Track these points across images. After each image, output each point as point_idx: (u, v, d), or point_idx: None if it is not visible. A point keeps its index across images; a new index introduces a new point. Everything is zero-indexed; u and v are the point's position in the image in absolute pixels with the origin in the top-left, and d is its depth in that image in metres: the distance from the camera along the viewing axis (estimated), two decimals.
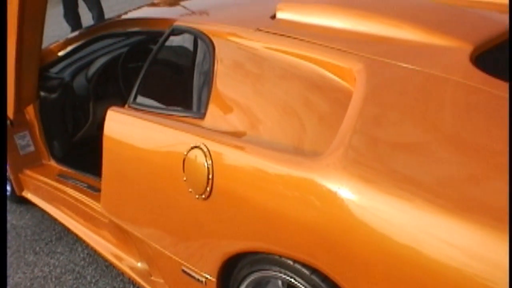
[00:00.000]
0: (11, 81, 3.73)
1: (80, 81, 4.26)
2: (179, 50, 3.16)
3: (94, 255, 3.88)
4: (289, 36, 2.57)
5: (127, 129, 2.89)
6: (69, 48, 4.20)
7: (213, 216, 2.32)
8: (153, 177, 2.67)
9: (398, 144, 1.87)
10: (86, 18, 8.70)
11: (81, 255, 3.94)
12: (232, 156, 2.24)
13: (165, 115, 2.79)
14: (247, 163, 2.15)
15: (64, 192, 3.94)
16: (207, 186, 2.29)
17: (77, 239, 3.99)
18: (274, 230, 2.03)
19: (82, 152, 4.34)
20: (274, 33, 2.64)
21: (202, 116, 2.57)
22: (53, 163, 4.30)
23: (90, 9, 8.51)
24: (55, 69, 4.30)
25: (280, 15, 2.84)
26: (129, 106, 3.02)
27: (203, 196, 2.31)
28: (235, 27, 2.83)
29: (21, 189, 4.48)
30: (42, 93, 4.13)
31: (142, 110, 2.94)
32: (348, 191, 1.75)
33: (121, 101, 4.14)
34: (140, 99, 3.01)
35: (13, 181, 4.49)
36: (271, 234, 2.05)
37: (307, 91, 2.37)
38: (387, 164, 1.77)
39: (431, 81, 2.06)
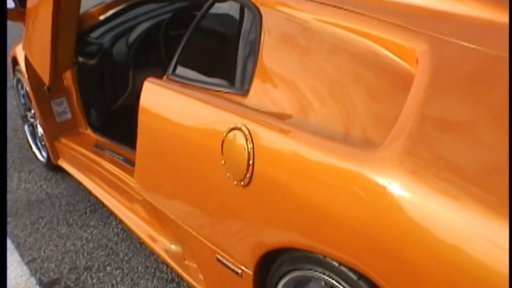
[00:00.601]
0: (47, 45, 3.55)
1: (120, 48, 4.06)
2: (224, 18, 2.93)
3: (128, 231, 3.71)
4: (343, 8, 2.32)
5: (164, 102, 2.69)
6: (110, 12, 4.00)
7: (252, 205, 2.11)
8: (190, 156, 2.46)
9: (464, 139, 1.62)
10: None
11: (115, 230, 3.78)
12: (276, 141, 2.01)
13: (205, 90, 2.57)
14: (292, 149, 1.93)
15: (100, 164, 3.77)
16: (246, 173, 2.07)
17: (111, 213, 3.82)
18: (318, 225, 1.81)
19: (120, 122, 4.16)
20: (327, 4, 2.39)
21: (245, 93, 2.35)
22: (89, 132, 4.13)
23: None
24: (94, 34, 4.12)
25: None
26: (167, 78, 2.82)
27: (242, 183, 2.10)
28: None
29: (57, 157, 4.34)
30: (80, 59, 3.96)
31: (181, 83, 2.72)
32: (404, 190, 1.52)
33: (162, 70, 3.94)
34: (179, 70, 2.80)
35: (49, 148, 4.36)
36: (315, 229, 1.83)
37: (362, 70, 2.13)
38: (452, 163, 1.53)
39: (499, 64, 1.80)
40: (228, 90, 2.46)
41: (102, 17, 4.05)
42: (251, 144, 2.06)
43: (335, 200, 1.73)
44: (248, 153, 2.06)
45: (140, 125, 2.76)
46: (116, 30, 4.18)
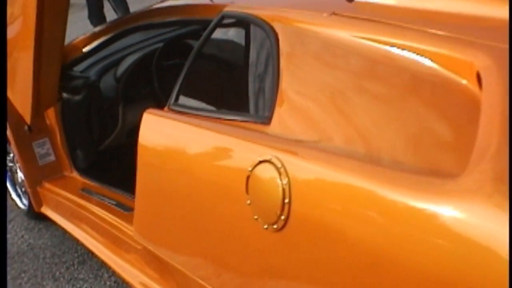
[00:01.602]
0: (28, 80, 3.19)
1: (108, 81, 3.72)
2: (229, 41, 2.62)
3: (122, 284, 3.32)
4: (378, 21, 2.01)
5: (168, 136, 2.36)
6: (95, 44, 3.66)
7: (288, 253, 1.75)
8: (204, 196, 2.11)
9: None
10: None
11: (108, 283, 3.40)
12: (319, 173, 1.66)
13: (216, 119, 2.22)
14: (342, 182, 1.58)
15: (89, 210, 3.40)
16: (281, 214, 1.72)
17: (103, 264, 3.42)
18: (379, 279, 1.45)
19: (109, 163, 3.84)
20: (357, 18, 2.08)
21: (266, 120, 2.01)
22: (76, 175, 3.76)
23: (115, 9, 7.99)
24: (79, 67, 3.78)
25: None
26: (169, 108, 2.48)
27: (275, 227, 1.75)
28: (302, 11, 2.27)
29: (40, 204, 3.95)
30: (64, 95, 3.61)
31: (185, 113, 2.37)
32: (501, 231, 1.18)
33: (154, 103, 3.63)
34: (183, 99, 2.47)
35: (30, 195, 3.97)
36: (375, 284, 1.47)
37: (412, 88, 1.82)
38: None
39: None
40: (244, 119, 2.13)
41: (86, 49, 3.70)
42: (286, 179, 1.71)
43: (406, 245, 1.38)
44: (283, 189, 1.71)
45: (140, 163, 2.41)
46: (102, 63, 3.84)
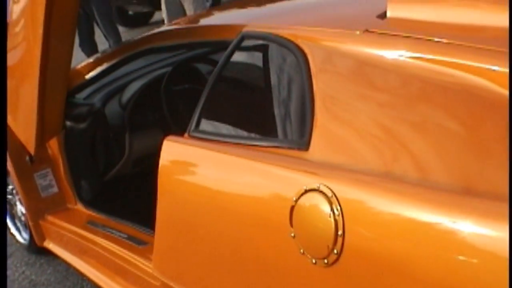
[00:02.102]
0: (32, 107, 3.03)
1: (112, 108, 3.56)
2: (252, 63, 2.48)
3: None
4: (416, 38, 1.87)
5: (193, 164, 2.23)
6: (99, 70, 3.49)
7: None
8: (237, 231, 1.95)
9: None
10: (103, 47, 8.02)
11: None
12: (377, 202, 1.50)
13: (243, 146, 2.06)
14: (405, 212, 1.43)
15: (96, 243, 3.22)
16: (333, 247, 1.56)
17: None
18: None
19: (115, 194, 3.67)
20: (393, 35, 1.94)
21: (304, 146, 1.86)
22: (80, 207, 3.58)
23: (106, 36, 7.82)
24: (82, 94, 3.61)
25: (393, 12, 2.12)
26: (190, 135, 2.31)
27: (326, 261, 1.59)
28: (332, 29, 2.13)
29: (42, 239, 3.76)
30: (67, 123, 3.43)
31: (208, 140, 2.21)
32: None
33: (162, 131, 3.47)
34: (205, 125, 2.31)
35: (32, 228, 3.78)
36: None
37: (459, 108, 1.66)
38: None
39: None
40: (276, 144, 1.98)
41: (89, 75, 3.53)
42: (339, 210, 1.55)
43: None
44: (335, 221, 1.56)
45: (161, 194, 2.24)
46: (106, 89, 3.69)
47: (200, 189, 2.15)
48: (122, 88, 3.68)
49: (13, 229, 4.22)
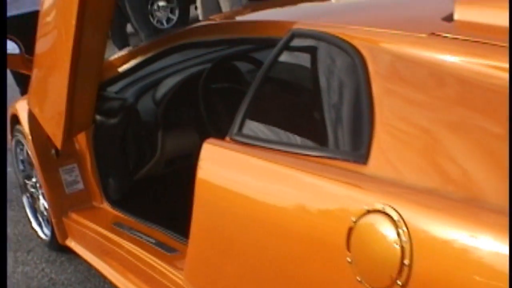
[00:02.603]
0: (62, 99, 2.85)
1: (146, 104, 3.38)
2: (302, 64, 2.28)
3: None
4: (486, 43, 1.70)
5: (235, 171, 2.05)
6: (133, 63, 3.30)
7: None
8: (281, 248, 1.76)
9: None
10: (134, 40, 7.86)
11: None
12: (454, 231, 1.30)
13: (291, 154, 1.87)
14: (489, 245, 1.22)
15: (121, 246, 3.04)
16: (397, 278, 1.37)
17: None
18: None
19: (144, 195, 3.48)
20: (462, 39, 1.74)
21: (361, 159, 1.67)
22: (107, 206, 3.41)
23: (137, 30, 7.57)
24: (114, 88, 3.43)
25: (461, 15, 1.91)
26: (231, 139, 2.12)
27: None
28: (394, 31, 1.92)
29: (65, 237, 3.60)
30: (97, 117, 3.24)
31: (252, 145, 2.02)
32: None
33: (197, 131, 3.29)
34: (248, 129, 2.12)
35: (55, 225, 3.62)
36: None
37: None
38: None
39: None
40: (330, 155, 1.80)
41: (123, 68, 3.35)
42: (407, 235, 1.35)
43: None
44: (401, 248, 1.36)
45: (198, 201, 2.06)
46: (139, 83, 3.51)
47: (242, 200, 1.96)
48: (156, 84, 3.50)
49: (34, 224, 4.07)
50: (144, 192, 3.50)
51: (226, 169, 2.10)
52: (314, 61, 2.17)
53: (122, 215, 3.29)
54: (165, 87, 3.41)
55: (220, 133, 3.13)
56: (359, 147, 1.73)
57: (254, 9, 3.45)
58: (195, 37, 2.98)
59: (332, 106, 1.99)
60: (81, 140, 3.40)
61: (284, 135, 2.10)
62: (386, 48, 1.90)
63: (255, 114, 2.19)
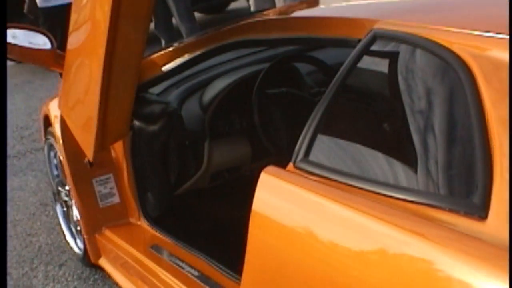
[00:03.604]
0: (94, 104, 2.43)
1: (191, 109, 2.96)
2: (380, 71, 1.81)
3: None
4: None
5: (299, 210, 1.64)
6: (178, 61, 2.86)
7: None
8: None
9: None
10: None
11: None
12: None
13: (376, 195, 1.41)
14: None
15: (158, 277, 2.64)
16: None
17: None
18: None
19: (187, 213, 3.09)
20: None
21: (478, 212, 1.20)
22: (144, 224, 3.00)
23: (178, 23, 6.98)
24: (155, 89, 2.99)
25: None
26: (296, 167, 1.72)
27: None
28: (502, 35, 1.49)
29: (97, 255, 3.21)
30: (136, 123, 2.83)
31: (321, 177, 1.61)
32: None
33: (250, 143, 2.84)
34: (318, 154, 1.70)
35: (87, 242, 3.24)
36: None
37: None
38: None
39: None
40: (428, 201, 1.36)
41: (166, 67, 2.91)
42: None
43: None
44: None
45: (253, 239, 1.70)
46: (183, 85, 3.09)
47: (308, 245, 1.56)
48: (203, 86, 3.07)
49: (68, 236, 3.70)
50: (186, 209, 3.12)
51: (288, 206, 1.67)
52: (404, 71, 1.72)
53: (161, 235, 2.88)
54: (214, 90, 2.98)
55: (276, 147, 2.69)
56: (469, 193, 1.28)
57: (319, 4, 2.97)
58: (251, 34, 2.52)
59: (431, 132, 1.53)
60: (118, 148, 2.99)
61: (366, 167, 1.65)
62: (498, 59, 1.44)
63: (327, 136, 1.75)
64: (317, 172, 1.66)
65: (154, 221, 2.97)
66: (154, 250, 2.80)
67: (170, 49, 3.00)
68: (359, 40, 1.86)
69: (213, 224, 2.99)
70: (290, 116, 2.73)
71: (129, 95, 2.52)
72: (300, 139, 1.77)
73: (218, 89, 2.95)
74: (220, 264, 2.42)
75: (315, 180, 1.64)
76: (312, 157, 1.72)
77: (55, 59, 3.05)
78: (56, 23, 4.15)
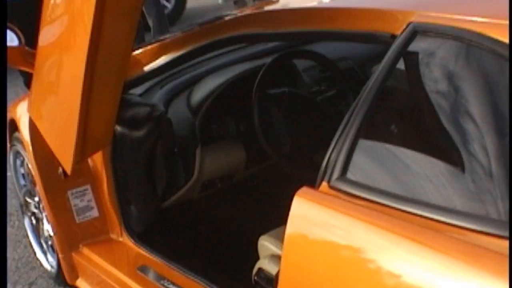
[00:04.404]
0: (73, 108, 2.10)
1: (178, 111, 2.67)
2: (424, 72, 1.55)
3: None
4: None
5: (339, 236, 1.43)
6: (165, 59, 2.55)
7: None
8: None
9: None
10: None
11: None
12: None
13: (433, 222, 1.26)
14: None
15: None
16: None
17: None
18: None
19: (176, 227, 2.79)
20: None
21: None
22: (128, 240, 2.70)
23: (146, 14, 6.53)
24: (138, 90, 2.67)
25: None
26: (331, 187, 1.47)
27: None
28: None
29: (74, 276, 2.92)
30: (117, 128, 2.51)
31: (365, 199, 1.39)
32: None
33: (247, 148, 2.56)
34: (358, 172, 1.44)
35: (62, 261, 2.94)
36: None
37: None
38: None
39: None
40: (498, 232, 1.18)
41: (149, 66, 2.59)
42: None
43: None
44: None
45: (288, 269, 1.50)
46: (169, 84, 2.77)
47: (350, 274, 1.35)
48: (190, 84, 2.77)
49: (38, 252, 3.37)
50: (174, 223, 2.82)
51: (328, 233, 1.41)
52: (456, 72, 1.45)
53: (147, 254, 2.58)
54: (204, 90, 2.69)
55: (278, 153, 2.41)
56: None
57: None
58: (254, 27, 2.22)
59: (495, 146, 1.27)
60: (96, 156, 2.68)
61: (415, 187, 1.39)
62: None
63: (367, 149, 1.47)
64: (358, 194, 1.40)
65: (139, 237, 2.68)
66: (140, 271, 2.50)
67: (155, 45, 2.68)
68: (392, 36, 1.60)
69: (206, 239, 2.70)
70: (292, 119, 2.46)
71: (113, 99, 2.22)
72: (333, 152, 1.52)
73: (209, 89, 2.66)
74: (215, 284, 2.15)
75: (356, 204, 1.37)
76: (350, 175, 1.46)
77: (23, 57, 2.70)
78: (24, 17, 3.77)
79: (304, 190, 1.46)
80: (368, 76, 2.93)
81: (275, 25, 2.18)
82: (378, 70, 1.54)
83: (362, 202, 1.39)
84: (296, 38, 2.35)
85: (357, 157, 1.48)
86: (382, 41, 1.70)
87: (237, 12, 2.78)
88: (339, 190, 1.44)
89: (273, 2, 2.73)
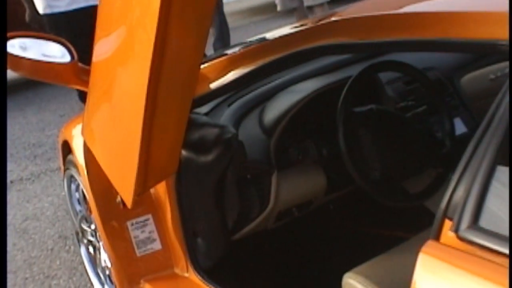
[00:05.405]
0: (133, 134, 1.82)
1: (250, 133, 2.38)
2: None
3: None
4: None
5: None
6: (235, 73, 2.27)
7: None
8: None
9: None
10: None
11: None
12: None
13: None
14: None
15: None
16: None
17: None
18: None
19: (248, 261, 2.53)
20: None
21: None
22: (194, 277, 2.39)
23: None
24: (203, 108, 2.40)
25: None
26: (462, 239, 1.16)
27: None
28: None
29: None
30: (183, 152, 2.22)
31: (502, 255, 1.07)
32: None
33: (327, 172, 2.26)
34: (494, 219, 1.10)
35: None
36: None
37: None
38: None
39: None
40: None
41: (216, 83, 2.31)
42: None
43: None
44: None
45: None
46: (238, 102, 2.47)
47: None
48: (262, 101, 2.47)
49: (95, 283, 3.10)
50: (247, 256, 2.55)
51: None
52: None
53: None
54: (279, 108, 2.39)
55: (367, 180, 2.11)
56: None
57: None
58: (346, 36, 1.91)
59: None
60: (159, 185, 2.38)
61: None
62: None
63: (501, 188, 1.15)
64: (498, 249, 1.07)
65: (207, 273, 2.38)
66: None
67: (222, 58, 2.39)
68: None
69: (282, 274, 2.41)
70: (381, 140, 2.15)
71: (180, 121, 1.92)
72: (456, 192, 1.18)
73: (285, 106, 2.35)
74: None
75: (497, 264, 1.05)
76: (484, 223, 1.12)
77: (77, 75, 2.44)
78: (75, 31, 3.53)
79: (431, 244, 1.16)
80: (457, 88, 2.61)
81: (365, 34, 1.87)
82: (506, 85, 1.22)
83: (502, 260, 1.07)
84: (396, 48, 2.04)
85: (492, 199, 1.17)
86: (500, 51, 1.39)
87: (301, 23, 2.50)
88: (472, 243, 1.12)
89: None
